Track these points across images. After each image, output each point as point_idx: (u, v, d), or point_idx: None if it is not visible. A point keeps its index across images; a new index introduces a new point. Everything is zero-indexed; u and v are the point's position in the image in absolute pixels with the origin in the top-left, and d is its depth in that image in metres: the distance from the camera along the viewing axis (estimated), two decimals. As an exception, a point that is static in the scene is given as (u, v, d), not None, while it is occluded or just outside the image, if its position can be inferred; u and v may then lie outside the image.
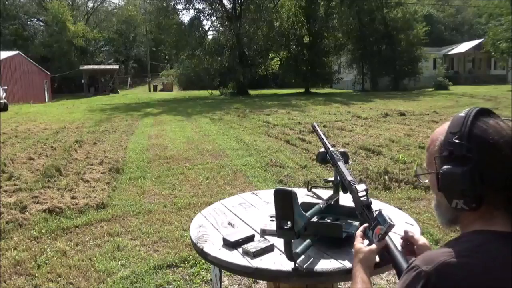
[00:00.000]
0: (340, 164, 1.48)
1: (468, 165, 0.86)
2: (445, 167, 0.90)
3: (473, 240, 0.87)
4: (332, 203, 1.60)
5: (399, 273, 1.12)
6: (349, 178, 1.39)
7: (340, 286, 2.73)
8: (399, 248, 1.18)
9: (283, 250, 1.25)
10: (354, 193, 1.34)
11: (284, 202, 1.18)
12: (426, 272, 0.82)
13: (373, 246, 1.14)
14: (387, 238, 1.18)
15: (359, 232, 1.20)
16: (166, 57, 38.61)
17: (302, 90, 30.22)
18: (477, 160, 0.86)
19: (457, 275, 0.80)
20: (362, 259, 1.12)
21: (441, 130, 0.96)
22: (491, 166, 0.86)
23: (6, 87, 19.21)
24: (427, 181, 1.04)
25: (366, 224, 1.23)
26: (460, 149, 0.88)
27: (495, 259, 0.82)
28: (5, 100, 17.67)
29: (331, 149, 1.54)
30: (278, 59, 30.93)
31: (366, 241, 1.19)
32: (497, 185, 0.87)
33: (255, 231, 1.57)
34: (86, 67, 36.92)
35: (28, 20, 44.89)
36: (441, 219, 1.01)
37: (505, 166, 0.86)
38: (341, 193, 1.64)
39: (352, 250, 1.18)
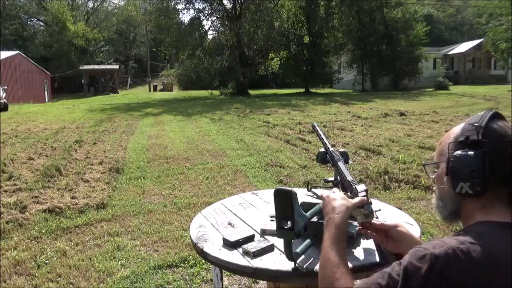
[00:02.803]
0: (340, 164, 1.48)
1: (481, 149, 0.92)
2: (458, 150, 0.96)
3: (475, 230, 0.90)
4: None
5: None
6: (349, 178, 1.39)
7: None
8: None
9: (283, 250, 1.25)
10: (354, 193, 1.34)
11: (284, 202, 1.18)
12: (435, 255, 0.83)
13: (355, 200, 1.17)
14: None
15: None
16: (166, 57, 38.60)
17: (302, 90, 30.24)
18: (490, 146, 0.92)
19: (463, 261, 0.82)
20: (336, 207, 1.12)
21: (456, 127, 1.03)
22: (501, 156, 0.92)
23: (6, 87, 19.21)
24: (433, 176, 1.07)
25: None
26: (476, 133, 0.94)
27: (496, 247, 0.85)
28: (5, 100, 17.67)
29: (331, 149, 1.54)
30: (278, 59, 30.94)
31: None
32: (502, 177, 0.92)
33: (255, 231, 1.57)
34: (86, 67, 36.95)
35: (28, 20, 44.94)
36: (443, 211, 1.03)
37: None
38: (341, 193, 1.64)
39: (326, 199, 1.18)
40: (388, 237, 1.18)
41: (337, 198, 1.16)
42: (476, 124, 0.96)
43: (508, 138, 0.93)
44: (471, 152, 0.93)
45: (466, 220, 0.98)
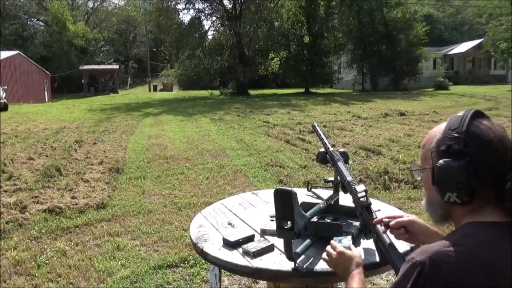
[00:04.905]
0: (340, 164, 1.48)
1: (465, 159, 0.91)
2: (442, 160, 0.95)
3: (462, 231, 0.93)
4: (332, 203, 1.60)
5: (392, 265, 1.16)
6: (349, 178, 1.39)
7: (340, 286, 2.73)
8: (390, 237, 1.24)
9: (283, 250, 1.25)
10: (354, 194, 1.34)
11: (284, 202, 1.18)
12: (420, 262, 0.86)
13: (355, 249, 1.21)
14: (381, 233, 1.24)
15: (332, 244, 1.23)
16: (166, 57, 38.57)
17: (302, 90, 30.21)
18: (473, 154, 0.91)
19: (449, 262, 0.84)
20: (360, 263, 1.16)
21: (438, 129, 1.01)
22: (485, 161, 0.91)
23: (6, 87, 19.20)
24: (419, 178, 1.08)
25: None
26: (458, 142, 0.93)
27: (483, 245, 0.87)
28: (5, 100, 17.66)
29: (331, 149, 1.54)
30: (278, 59, 30.92)
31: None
32: (488, 181, 0.92)
33: (255, 231, 1.57)
34: (86, 67, 36.92)
35: (28, 20, 44.95)
36: (433, 216, 1.05)
37: (496, 163, 0.91)
38: (341, 193, 1.64)
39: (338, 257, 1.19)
40: (407, 232, 1.23)
41: (343, 257, 1.18)
42: (456, 133, 0.94)
43: (491, 143, 0.92)
44: (454, 163, 0.92)
45: (457, 223, 0.99)
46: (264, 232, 1.54)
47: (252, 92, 29.38)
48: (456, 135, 0.93)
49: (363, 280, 1.10)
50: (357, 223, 1.46)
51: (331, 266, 1.21)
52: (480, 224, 0.92)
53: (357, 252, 1.19)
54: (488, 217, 0.92)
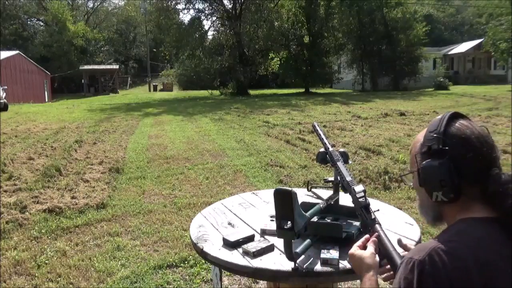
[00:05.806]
0: (340, 164, 1.48)
1: (444, 157, 0.95)
2: (425, 161, 0.99)
3: (456, 228, 0.95)
4: (332, 203, 1.60)
5: (393, 266, 1.14)
6: (348, 178, 1.39)
7: (340, 286, 2.74)
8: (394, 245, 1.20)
9: (283, 250, 1.25)
10: (353, 194, 1.34)
11: (284, 202, 1.18)
12: (419, 261, 0.88)
13: (371, 249, 1.15)
14: (381, 233, 1.20)
15: (357, 243, 1.20)
16: (166, 57, 38.62)
17: (302, 90, 30.23)
18: (452, 152, 0.95)
19: (447, 259, 0.86)
20: (371, 265, 1.10)
21: (421, 134, 1.06)
22: (464, 158, 0.94)
23: (6, 87, 19.19)
24: (411, 184, 1.10)
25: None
26: (437, 143, 0.97)
27: (476, 240, 0.89)
28: (5, 100, 17.65)
29: (331, 149, 1.54)
30: (278, 59, 30.93)
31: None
32: (471, 178, 0.95)
33: (255, 231, 1.57)
34: (86, 67, 36.94)
35: (28, 20, 44.97)
36: (426, 217, 1.08)
37: (476, 160, 0.94)
38: (341, 193, 1.64)
39: (351, 258, 1.16)
40: None
41: (363, 259, 1.14)
42: (434, 134, 0.98)
43: (469, 140, 0.95)
44: (435, 162, 0.96)
45: (449, 222, 1.02)
46: (264, 232, 1.54)
47: (252, 92, 29.38)
48: (435, 135, 0.98)
49: (374, 286, 1.07)
50: (357, 223, 1.46)
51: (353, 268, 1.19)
52: (472, 220, 0.94)
53: (368, 253, 1.14)
54: (478, 213, 0.95)
